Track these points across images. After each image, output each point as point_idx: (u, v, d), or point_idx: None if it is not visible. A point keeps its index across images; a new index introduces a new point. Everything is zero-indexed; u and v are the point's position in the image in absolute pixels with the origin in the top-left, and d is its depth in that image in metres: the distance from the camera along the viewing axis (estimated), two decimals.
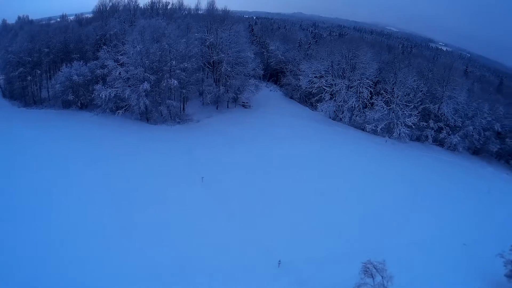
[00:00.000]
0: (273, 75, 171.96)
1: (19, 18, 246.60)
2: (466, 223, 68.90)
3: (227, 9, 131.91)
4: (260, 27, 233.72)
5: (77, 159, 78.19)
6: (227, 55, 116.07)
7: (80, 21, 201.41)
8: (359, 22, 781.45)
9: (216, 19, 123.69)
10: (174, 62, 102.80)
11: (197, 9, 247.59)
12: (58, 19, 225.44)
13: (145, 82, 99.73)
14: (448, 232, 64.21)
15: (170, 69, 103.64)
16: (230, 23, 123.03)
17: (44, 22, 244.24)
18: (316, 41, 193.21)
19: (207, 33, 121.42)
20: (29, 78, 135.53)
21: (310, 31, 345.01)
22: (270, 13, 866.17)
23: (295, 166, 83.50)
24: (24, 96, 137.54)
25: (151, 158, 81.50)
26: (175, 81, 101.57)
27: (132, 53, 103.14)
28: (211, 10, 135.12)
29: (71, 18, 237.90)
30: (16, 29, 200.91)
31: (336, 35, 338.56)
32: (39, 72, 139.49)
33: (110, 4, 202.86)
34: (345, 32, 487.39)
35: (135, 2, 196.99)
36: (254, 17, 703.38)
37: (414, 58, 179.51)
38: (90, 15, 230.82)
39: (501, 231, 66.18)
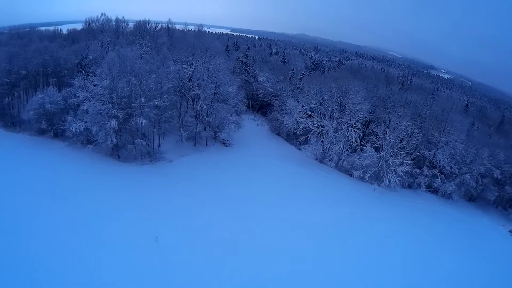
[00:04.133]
0: (262, 106, 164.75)
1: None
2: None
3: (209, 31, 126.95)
4: (253, 54, 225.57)
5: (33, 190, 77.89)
6: (204, 91, 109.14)
7: (69, 35, 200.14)
8: (362, 46, 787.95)
9: (195, 49, 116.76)
10: (143, 99, 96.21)
11: (184, 30, 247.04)
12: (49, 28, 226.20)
13: (113, 119, 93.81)
14: None
15: (139, 106, 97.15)
16: (209, 55, 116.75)
17: (27, 30, 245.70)
18: (310, 71, 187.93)
19: (187, 64, 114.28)
20: (6, 99, 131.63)
21: (310, 56, 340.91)
22: (274, 33, 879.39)
23: (269, 219, 76.90)
24: (4, 116, 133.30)
25: (102, 206, 75.65)
26: (144, 120, 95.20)
27: (100, 87, 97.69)
28: (195, 39, 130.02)
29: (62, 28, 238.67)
30: (2, 41, 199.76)
31: (336, 61, 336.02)
32: (16, 94, 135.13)
33: (97, 23, 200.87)
34: (346, 58, 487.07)
35: (126, 23, 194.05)
36: (257, 37, 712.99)
37: (412, 92, 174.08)
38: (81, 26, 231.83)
39: None
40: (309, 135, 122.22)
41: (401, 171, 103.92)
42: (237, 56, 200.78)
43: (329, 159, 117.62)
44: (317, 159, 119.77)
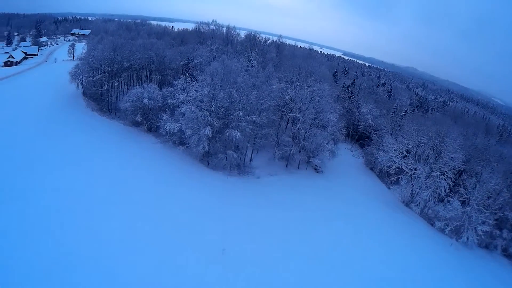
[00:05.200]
0: (361, 138, 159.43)
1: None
2: None
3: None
4: (360, 83, 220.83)
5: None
6: (303, 115, 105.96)
7: (179, 35, 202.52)
8: (468, 88, 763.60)
9: (301, 71, 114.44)
10: (241, 113, 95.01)
11: (294, 47, 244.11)
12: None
13: (208, 127, 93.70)
14: None
15: (236, 119, 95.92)
16: (314, 79, 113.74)
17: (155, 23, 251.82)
18: (414, 109, 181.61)
19: (291, 85, 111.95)
20: (105, 87, 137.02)
21: (416, 93, 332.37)
22: (384, 63, 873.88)
23: (344, 264, 71.94)
24: (101, 101, 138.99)
25: (183, 210, 77.40)
26: (239, 134, 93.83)
27: (200, 94, 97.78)
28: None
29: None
30: (109, 30, 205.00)
31: (440, 102, 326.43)
32: (116, 83, 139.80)
33: (208, 28, 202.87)
34: (451, 99, 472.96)
35: (237, 32, 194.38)
36: (367, 64, 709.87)
37: (509, 146, 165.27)
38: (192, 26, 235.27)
39: None
40: (400, 176, 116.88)
41: (482, 230, 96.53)
42: (344, 83, 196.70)
43: (416, 204, 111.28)
44: (403, 201, 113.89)
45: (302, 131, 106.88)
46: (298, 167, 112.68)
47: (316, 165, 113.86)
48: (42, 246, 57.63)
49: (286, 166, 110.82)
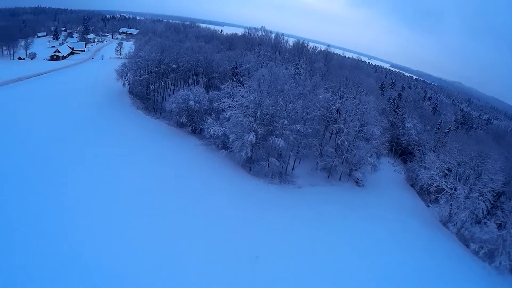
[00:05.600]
0: (404, 153, 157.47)
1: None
2: None
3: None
4: (406, 96, 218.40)
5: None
6: (348, 126, 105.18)
7: (228, 39, 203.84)
8: None
9: (348, 82, 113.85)
10: (286, 122, 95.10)
11: (343, 57, 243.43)
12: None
13: (252, 133, 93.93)
14: None
15: (281, 127, 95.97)
16: (360, 91, 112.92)
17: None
18: (458, 126, 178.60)
19: (337, 95, 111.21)
20: (151, 87, 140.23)
21: (461, 108, 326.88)
22: (431, 76, 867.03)
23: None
24: (146, 100, 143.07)
25: (221, 216, 77.36)
26: (282, 142, 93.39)
27: (246, 100, 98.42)
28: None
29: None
30: (157, 30, 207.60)
31: (484, 119, 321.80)
32: (163, 84, 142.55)
33: (257, 34, 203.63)
34: (495, 117, 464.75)
35: (285, 39, 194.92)
36: (414, 77, 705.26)
37: None
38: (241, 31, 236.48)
39: None
40: (440, 195, 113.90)
41: None
42: (390, 95, 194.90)
43: (453, 224, 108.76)
44: (441, 221, 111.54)
45: (346, 143, 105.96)
46: (339, 179, 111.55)
47: (357, 178, 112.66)
48: (104, 241, 60.06)
49: (328, 177, 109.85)
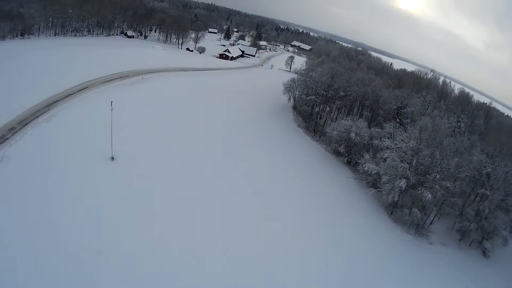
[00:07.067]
0: None
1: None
2: None
3: None
4: None
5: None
6: (493, 194, 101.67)
7: (397, 76, 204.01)
8: None
9: (503, 147, 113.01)
10: (438, 176, 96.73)
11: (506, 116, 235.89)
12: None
13: (404, 180, 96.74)
14: None
15: (431, 181, 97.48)
16: None
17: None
18: None
19: (490, 159, 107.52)
20: (316, 109, 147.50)
21: None
22: None
23: None
24: (309, 120, 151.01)
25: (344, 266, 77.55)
26: (430, 195, 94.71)
27: (405, 146, 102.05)
28: None
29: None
30: (330, 53, 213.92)
31: None
32: (328, 109, 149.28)
33: (426, 76, 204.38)
34: None
35: (451, 88, 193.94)
36: None
37: None
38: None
39: None
40: None
41: None
42: None
43: None
44: None
45: (487, 210, 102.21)
46: (469, 245, 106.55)
47: (485, 248, 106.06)
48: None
49: (460, 240, 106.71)
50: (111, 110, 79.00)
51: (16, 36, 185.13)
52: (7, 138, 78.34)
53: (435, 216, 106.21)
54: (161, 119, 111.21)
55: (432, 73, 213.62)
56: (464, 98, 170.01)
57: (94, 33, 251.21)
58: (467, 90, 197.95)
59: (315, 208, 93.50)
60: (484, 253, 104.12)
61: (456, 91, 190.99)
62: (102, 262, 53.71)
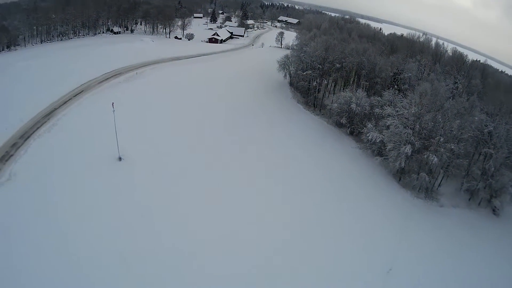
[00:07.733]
0: None
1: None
2: None
3: None
4: None
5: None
6: (497, 152, 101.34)
7: (388, 41, 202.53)
8: None
9: (502, 105, 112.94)
10: (442, 139, 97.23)
11: (501, 73, 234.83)
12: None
13: (409, 145, 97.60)
14: None
15: (436, 144, 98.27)
16: None
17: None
18: None
19: (491, 117, 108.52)
20: (314, 83, 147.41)
21: None
22: None
23: None
24: (307, 96, 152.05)
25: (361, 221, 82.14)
26: (436, 159, 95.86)
27: (407, 112, 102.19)
28: None
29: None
30: (321, 26, 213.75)
31: None
32: (325, 82, 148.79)
33: (418, 40, 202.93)
34: None
35: (445, 49, 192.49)
36: None
37: None
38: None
39: None
40: None
41: None
42: None
43: None
44: None
45: (492, 168, 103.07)
46: (478, 204, 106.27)
47: (495, 206, 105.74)
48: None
49: (469, 199, 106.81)
50: (113, 111, 79.50)
51: (3, 50, 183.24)
52: (12, 155, 79.06)
53: (442, 178, 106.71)
54: (161, 113, 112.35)
55: (424, 36, 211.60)
56: (458, 58, 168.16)
57: (80, 34, 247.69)
58: (460, 49, 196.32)
59: (326, 181, 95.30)
60: (494, 211, 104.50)
61: (450, 52, 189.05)
62: (124, 270, 55.27)
